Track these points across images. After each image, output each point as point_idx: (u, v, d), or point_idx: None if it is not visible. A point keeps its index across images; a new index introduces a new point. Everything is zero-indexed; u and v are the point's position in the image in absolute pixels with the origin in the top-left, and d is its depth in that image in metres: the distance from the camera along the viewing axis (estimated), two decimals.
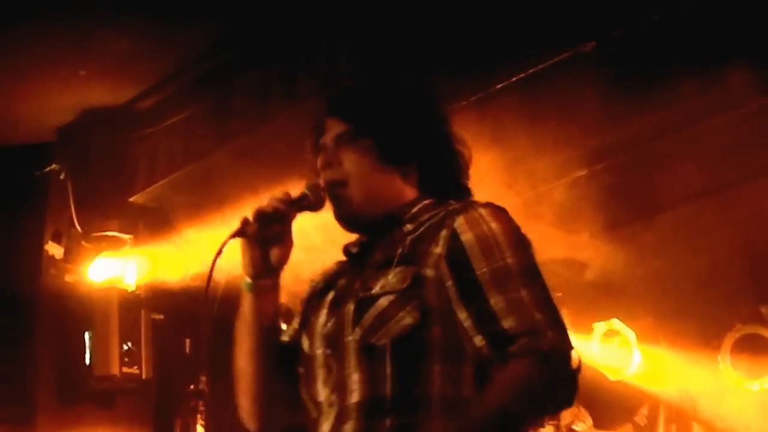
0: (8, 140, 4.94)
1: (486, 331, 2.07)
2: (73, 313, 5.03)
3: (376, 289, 2.16)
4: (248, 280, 2.32)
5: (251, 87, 4.63)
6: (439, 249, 2.15)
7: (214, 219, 4.51)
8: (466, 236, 2.14)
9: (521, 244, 2.17)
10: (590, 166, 4.67)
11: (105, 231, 4.98)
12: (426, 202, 2.30)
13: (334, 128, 2.34)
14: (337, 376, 2.19)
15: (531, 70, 4.25)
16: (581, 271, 5.83)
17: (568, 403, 2.10)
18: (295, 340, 2.35)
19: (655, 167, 4.74)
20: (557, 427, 6.30)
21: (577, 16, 4.14)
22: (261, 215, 2.29)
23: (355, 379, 2.14)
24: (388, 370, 2.11)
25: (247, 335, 2.33)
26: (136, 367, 5.03)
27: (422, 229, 2.24)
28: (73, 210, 5.00)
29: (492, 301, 2.07)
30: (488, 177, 4.43)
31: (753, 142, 4.57)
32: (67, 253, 5.02)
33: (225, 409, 5.22)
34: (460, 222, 2.17)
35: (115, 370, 4.99)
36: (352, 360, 2.16)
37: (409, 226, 2.26)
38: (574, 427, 6.27)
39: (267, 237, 2.30)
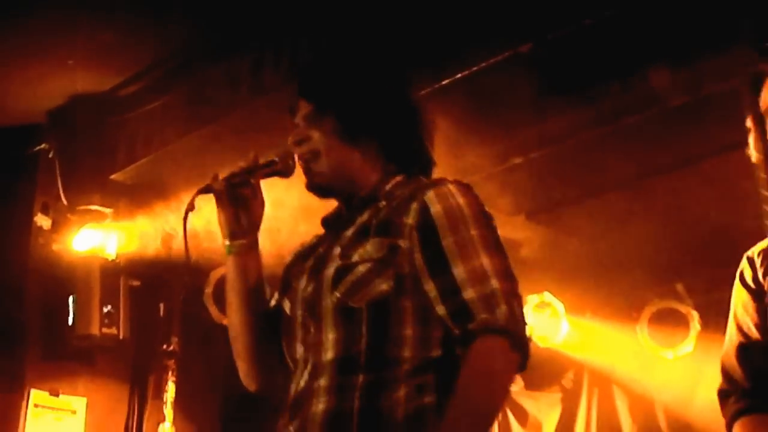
0: (2, 122, 4.88)
1: (448, 301, 2.03)
2: (58, 279, 5.00)
3: (355, 258, 2.12)
4: (226, 242, 2.30)
5: (221, 78, 4.58)
6: (410, 220, 2.12)
7: (185, 196, 4.48)
8: (435, 208, 2.11)
9: (485, 218, 2.14)
10: (526, 154, 4.64)
11: (88, 205, 4.95)
12: (398, 179, 2.27)
13: (303, 108, 2.31)
14: (314, 335, 2.15)
15: (474, 68, 4.17)
16: (517, 248, 5.72)
17: (523, 368, 2.04)
18: (279, 304, 2.32)
19: (584, 157, 4.71)
20: None
21: (515, 20, 4.07)
22: (228, 175, 2.26)
23: (330, 338, 2.11)
24: (363, 330, 2.08)
25: (234, 297, 2.31)
26: (114, 328, 5.00)
27: (397, 201, 2.19)
28: (60, 186, 4.97)
29: (455, 272, 2.04)
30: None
31: (674, 136, 4.56)
32: (54, 224, 5.00)
33: (194, 366, 5.26)
34: (430, 195, 2.12)
35: (95, 330, 4.96)
36: (328, 321, 2.12)
37: (384, 203, 2.22)
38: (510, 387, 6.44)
39: (236, 197, 2.27)
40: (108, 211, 4.97)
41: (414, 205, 2.13)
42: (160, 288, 5.29)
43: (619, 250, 5.58)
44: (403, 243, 2.10)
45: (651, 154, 4.74)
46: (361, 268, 2.11)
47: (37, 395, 5.13)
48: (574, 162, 4.77)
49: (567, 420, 6.41)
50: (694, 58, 4.04)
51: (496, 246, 2.10)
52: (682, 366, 5.84)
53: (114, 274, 5.05)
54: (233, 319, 2.33)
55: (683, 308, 5.82)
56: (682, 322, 5.83)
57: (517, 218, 5.43)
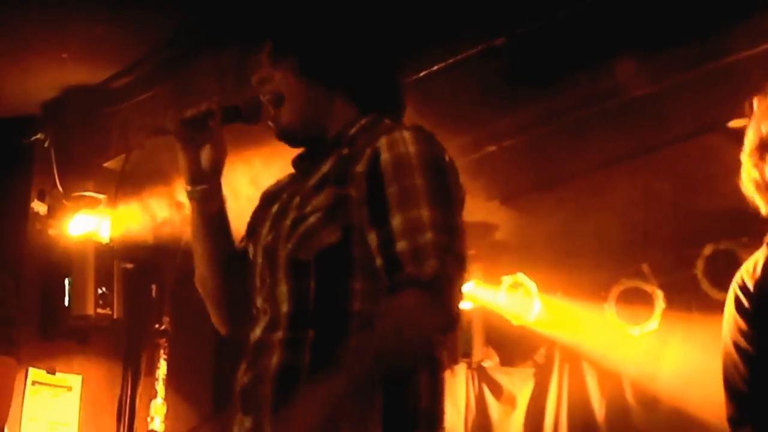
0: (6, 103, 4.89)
1: (384, 252, 1.92)
2: (54, 262, 5.00)
3: (308, 208, 2.02)
4: (187, 187, 2.20)
5: (208, 69, 4.54)
6: (361, 168, 2.00)
7: (174, 182, 4.54)
8: (384, 156, 1.98)
9: (436, 168, 1.99)
10: (499, 143, 4.64)
11: (83, 191, 4.95)
12: (363, 122, 2.15)
13: (267, 47, 2.20)
14: (270, 286, 2.07)
15: (450, 61, 4.14)
16: (492, 232, 5.81)
17: (448, 329, 1.92)
18: (245, 247, 2.23)
19: (556, 144, 4.71)
20: (469, 364, 6.50)
21: (488, 15, 4.04)
22: (185, 116, 2.16)
23: (283, 290, 2.02)
24: (312, 285, 1.98)
25: (198, 244, 2.22)
26: (108, 309, 5.01)
27: (356, 149, 2.08)
28: (55, 173, 4.97)
29: (393, 222, 1.92)
30: None
31: (640, 125, 4.57)
32: (50, 210, 5.01)
33: (185, 345, 5.29)
34: (382, 142, 2.01)
35: (90, 311, 4.95)
36: (282, 273, 2.03)
37: (346, 150, 2.10)
38: (483, 363, 6.57)
39: (193, 139, 2.17)
40: (102, 197, 4.96)
41: (368, 152, 2.02)
42: (152, 270, 5.32)
43: (588, 233, 5.56)
44: (353, 192, 1.99)
45: (617, 141, 4.73)
46: (312, 219, 2.01)
47: (34, 373, 5.10)
48: (546, 150, 4.77)
49: (539, 394, 6.43)
50: (657, 51, 4.01)
51: (441, 198, 1.96)
52: (647, 342, 5.88)
53: (108, 257, 5.05)
54: (198, 264, 2.24)
55: (648, 287, 5.84)
56: (647, 300, 5.85)
57: (492, 203, 5.42)
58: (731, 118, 4.38)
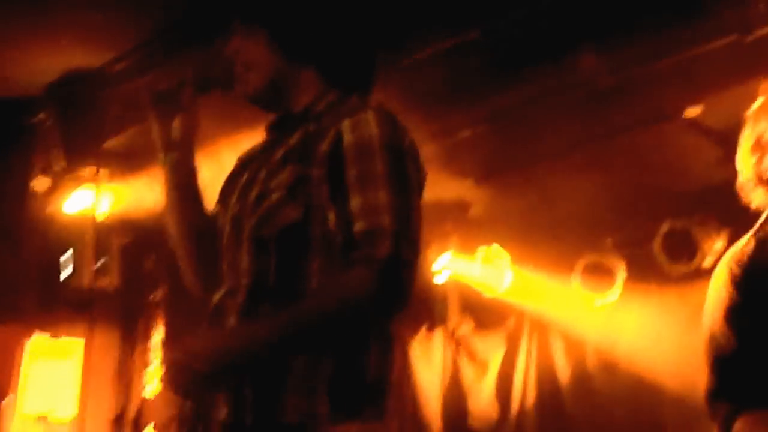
0: (4, 93, 4.90)
1: (342, 232, 1.89)
2: (55, 237, 5.08)
3: (273, 184, 1.98)
4: (161, 154, 2.16)
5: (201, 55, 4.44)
6: (325, 147, 1.96)
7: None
8: (347, 138, 1.94)
9: (396, 152, 1.95)
10: (474, 128, 4.72)
11: (83, 169, 5.01)
12: (330, 98, 2.11)
13: (239, 20, 2.17)
14: (233, 256, 2.03)
15: (429, 52, 4.23)
16: (467, 208, 5.87)
17: (399, 307, 1.88)
18: (216, 213, 2.17)
19: (525, 129, 4.77)
20: (445, 330, 6.52)
21: (464, 11, 4.13)
22: (159, 89, 2.13)
23: (244, 263, 1.98)
24: (273, 261, 1.95)
25: (171, 210, 2.16)
26: (107, 280, 5.12)
27: (321, 126, 2.02)
28: (56, 152, 5.00)
29: (352, 203, 1.88)
30: None
31: (603, 113, 4.61)
32: (51, 187, 5.06)
33: (179, 313, 5.39)
34: (346, 124, 1.96)
35: (89, 281, 5.06)
36: (245, 245, 1.99)
37: (312, 126, 2.05)
38: (459, 330, 6.55)
39: (168, 112, 2.13)
40: (101, 174, 5.01)
41: (332, 132, 1.97)
42: (148, 243, 5.35)
43: (557, 210, 5.63)
44: (315, 171, 1.95)
45: (582, 127, 4.77)
46: (274, 196, 1.98)
47: (38, 338, 5.26)
48: (516, 135, 4.83)
49: (509, 358, 6.49)
50: (618, 46, 4.06)
51: (399, 182, 1.92)
52: (609, 312, 5.94)
53: (106, 231, 5.15)
54: (171, 230, 2.18)
55: (611, 261, 5.90)
56: (609, 273, 5.90)
57: (466, 181, 5.47)
58: (687, 107, 4.50)
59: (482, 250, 6.17)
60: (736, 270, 2.26)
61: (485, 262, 6.19)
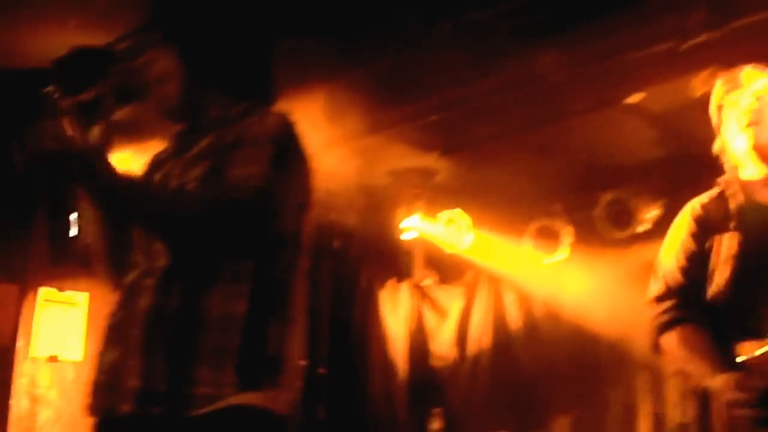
0: (19, 65, 4.77)
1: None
2: (63, 199, 5.09)
3: (187, 178, 2.04)
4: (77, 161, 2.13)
5: None
6: (227, 141, 2.05)
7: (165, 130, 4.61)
8: (247, 131, 2.05)
9: (283, 144, 2.05)
10: (439, 113, 4.79)
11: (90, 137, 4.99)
12: (238, 108, 2.14)
13: (157, 34, 2.19)
14: (148, 242, 2.07)
15: (402, 47, 4.36)
16: (433, 176, 5.91)
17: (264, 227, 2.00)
18: None
19: (488, 112, 4.84)
20: (411, 283, 6.64)
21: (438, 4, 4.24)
22: (79, 100, 2.14)
23: (160, 247, 2.03)
24: (188, 243, 2.02)
25: (88, 209, 2.24)
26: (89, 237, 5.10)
27: (230, 131, 2.08)
28: (66, 120, 4.99)
29: (230, 171, 2.00)
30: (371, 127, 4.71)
31: (555, 99, 4.69)
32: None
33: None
34: (248, 120, 2.07)
35: (93, 241, 5.05)
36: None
37: (222, 132, 2.10)
38: (422, 282, 6.73)
39: (87, 121, 2.14)
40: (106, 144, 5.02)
41: (236, 128, 2.06)
42: None
43: (512, 180, 5.70)
44: (218, 161, 2.02)
45: (539, 110, 4.84)
46: (189, 187, 2.03)
47: (46, 291, 5.27)
48: (481, 116, 4.87)
49: (467, 307, 6.61)
50: (573, 43, 4.16)
51: (277, 164, 2.01)
52: (555, 270, 6.03)
53: None
54: (84, 227, 2.28)
55: (559, 225, 5.96)
56: (557, 235, 5.96)
57: (433, 154, 5.53)
58: (626, 96, 4.59)
59: (446, 213, 6.22)
60: (694, 225, 2.54)
61: (448, 224, 6.23)
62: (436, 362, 6.63)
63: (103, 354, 2.07)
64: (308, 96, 4.51)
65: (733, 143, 2.54)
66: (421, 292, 6.79)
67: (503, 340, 6.40)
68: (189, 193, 2.00)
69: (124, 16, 4.58)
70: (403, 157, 5.68)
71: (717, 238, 2.51)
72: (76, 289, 5.41)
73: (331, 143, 4.85)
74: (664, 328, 2.48)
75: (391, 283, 6.76)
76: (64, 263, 5.22)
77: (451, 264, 6.59)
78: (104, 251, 2.21)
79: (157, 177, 2.16)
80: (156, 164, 2.23)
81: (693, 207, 2.58)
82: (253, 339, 1.97)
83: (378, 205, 6.24)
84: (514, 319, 6.41)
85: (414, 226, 6.22)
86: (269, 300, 2.03)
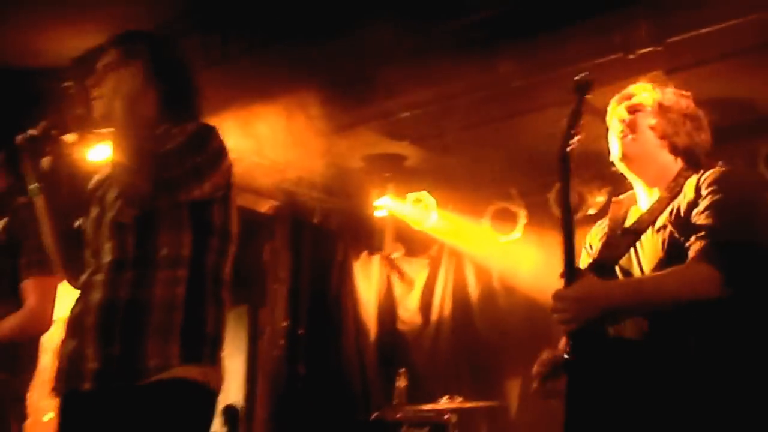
0: (38, 65, 4.93)
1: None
2: (79, 178, 5.14)
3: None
4: (34, 185, 2.27)
5: (198, 46, 4.59)
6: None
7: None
8: (173, 137, 2.13)
9: (196, 141, 2.12)
10: (411, 111, 4.90)
11: (102, 128, 5.04)
12: (163, 128, 2.20)
13: (107, 57, 2.25)
14: (97, 243, 2.15)
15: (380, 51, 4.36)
16: (403, 161, 6.00)
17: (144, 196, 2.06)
18: (81, 225, 2.29)
19: (453, 110, 4.94)
20: (382, 255, 6.74)
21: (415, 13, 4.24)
22: (29, 135, 2.20)
23: (108, 246, 2.11)
24: (131, 239, 2.09)
25: (45, 225, 2.27)
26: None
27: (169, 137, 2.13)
28: (82, 113, 5.04)
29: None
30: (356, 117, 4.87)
31: (513, 100, 4.82)
32: (78, 140, 5.11)
33: None
34: (174, 131, 2.15)
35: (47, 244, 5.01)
36: (106, 232, 2.13)
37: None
38: (392, 255, 6.84)
39: (37, 151, 2.23)
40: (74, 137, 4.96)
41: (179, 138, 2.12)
42: None
43: (475, 165, 5.79)
44: None
45: (498, 108, 4.96)
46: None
47: None
48: (446, 112, 4.99)
49: (431, 278, 6.72)
50: (530, 53, 4.29)
51: (187, 153, 2.09)
52: (511, 247, 6.11)
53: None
54: (46, 239, 2.28)
55: (515, 206, 6.07)
56: (513, 217, 6.07)
57: (404, 142, 5.63)
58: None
59: (413, 194, 6.27)
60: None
61: (415, 204, 6.27)
62: (402, 327, 6.69)
63: (65, 344, 2.13)
64: (294, 94, 4.65)
65: (612, 153, 2.37)
66: (391, 264, 6.85)
67: (463, 309, 6.47)
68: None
69: (129, 26, 4.64)
70: (376, 145, 5.77)
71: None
72: None
73: (315, 133, 4.97)
74: None
75: (364, 255, 6.81)
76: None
77: (418, 239, 6.65)
78: (59, 253, 2.26)
79: (97, 195, 2.26)
80: (98, 185, 2.33)
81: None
82: (193, 319, 2.07)
83: (354, 187, 6.32)
84: (473, 289, 6.48)
85: (385, 206, 6.26)
86: (204, 284, 2.12)
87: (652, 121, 2.26)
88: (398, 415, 5.20)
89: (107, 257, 2.08)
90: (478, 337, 6.33)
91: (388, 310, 6.74)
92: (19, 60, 4.79)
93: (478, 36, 4.27)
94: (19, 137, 2.19)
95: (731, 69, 4.56)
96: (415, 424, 5.11)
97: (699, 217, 2.06)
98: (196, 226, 2.12)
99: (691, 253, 2.02)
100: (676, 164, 2.25)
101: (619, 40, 4.05)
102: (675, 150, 2.25)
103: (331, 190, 6.41)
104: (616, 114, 2.35)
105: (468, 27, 4.24)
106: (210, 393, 2.10)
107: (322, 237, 6.53)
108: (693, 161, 2.25)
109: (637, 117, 2.28)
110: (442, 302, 6.60)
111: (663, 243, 2.11)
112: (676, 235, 2.09)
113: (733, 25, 3.88)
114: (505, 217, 6.10)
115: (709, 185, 2.10)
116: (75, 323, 2.10)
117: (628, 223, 2.29)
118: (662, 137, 2.24)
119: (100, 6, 4.55)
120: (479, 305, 6.41)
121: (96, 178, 2.38)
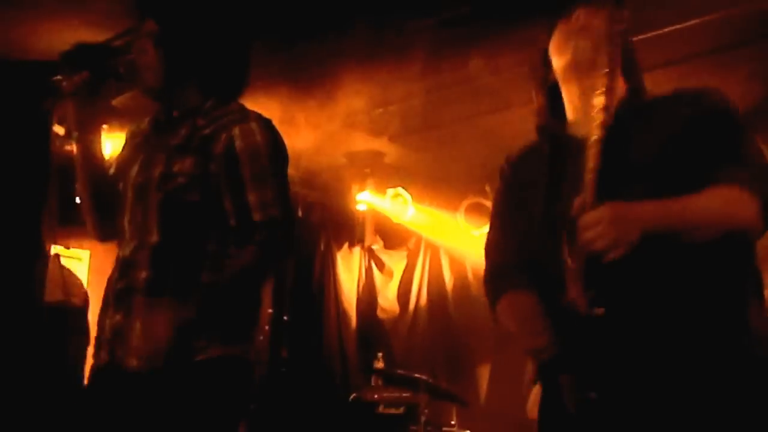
0: (29, 58, 4.69)
1: (240, 218, 1.96)
2: (70, 171, 5.05)
3: (176, 168, 1.98)
4: (75, 133, 2.17)
5: None
6: (219, 149, 1.98)
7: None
8: (239, 144, 1.97)
9: (277, 155, 2.01)
10: (387, 106, 4.83)
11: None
12: (210, 104, 2.06)
13: (148, 26, 2.09)
14: (140, 218, 2.02)
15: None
16: (382, 157, 5.88)
17: (284, 258, 2.01)
18: (114, 177, 2.15)
19: (427, 107, 4.84)
20: (362, 247, 6.58)
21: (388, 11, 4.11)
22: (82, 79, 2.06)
23: (153, 226, 2.00)
24: (177, 230, 2.00)
25: (81, 174, 2.17)
26: None
27: (211, 128, 2.01)
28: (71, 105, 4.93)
29: (249, 197, 1.95)
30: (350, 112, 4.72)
31: (483, 100, 4.71)
32: (67, 132, 5.00)
33: None
34: (236, 131, 1.98)
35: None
36: (153, 213, 2.00)
37: (201, 121, 2.03)
38: (373, 246, 6.71)
39: (86, 99, 2.09)
40: (106, 126, 4.90)
41: (224, 136, 1.98)
42: None
43: (449, 162, 5.68)
44: (213, 167, 1.97)
45: (470, 106, 4.87)
46: (179, 180, 1.97)
47: (55, 249, 4.92)
48: (421, 109, 4.87)
49: (409, 269, 6.65)
50: (500, 52, 4.11)
51: (281, 179, 1.98)
52: (484, 240, 5.96)
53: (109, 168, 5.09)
54: (80, 189, 2.17)
55: (488, 202, 5.81)
56: (486, 210, 5.76)
57: (382, 139, 5.49)
58: None
59: (392, 190, 6.21)
60: None
61: (394, 198, 6.21)
62: (382, 314, 6.62)
63: (109, 317, 2.03)
64: (272, 92, 4.48)
65: None
66: (371, 255, 6.77)
67: (438, 298, 6.41)
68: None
69: (115, 20, 4.49)
70: (356, 142, 5.68)
71: None
72: (80, 247, 5.42)
73: (298, 130, 4.85)
74: (499, 297, 1.95)
75: (345, 247, 6.75)
76: (69, 225, 5.23)
77: (396, 232, 6.61)
78: (89, 210, 2.15)
79: (142, 155, 2.08)
80: (136, 143, 2.15)
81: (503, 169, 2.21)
82: (236, 301, 2.01)
83: (336, 182, 6.23)
84: (448, 280, 6.42)
85: (365, 200, 6.19)
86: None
87: None
88: (375, 396, 5.10)
89: (153, 237, 1.98)
90: (452, 323, 6.25)
91: (367, 299, 6.63)
92: (7, 54, 4.66)
93: (448, 34, 4.14)
94: (72, 83, 2.06)
95: (699, 69, 4.38)
96: (391, 404, 5.05)
97: None
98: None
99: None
100: None
101: None
102: None
103: (314, 185, 6.30)
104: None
105: (438, 25, 4.11)
106: (250, 367, 2.05)
107: (305, 229, 6.39)
108: None
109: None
110: (419, 292, 6.53)
111: None
112: None
113: (697, 23, 3.74)
114: (478, 212, 6.01)
115: None
116: (120, 298, 2.00)
117: None
118: None
119: (86, 2, 4.40)
120: (454, 294, 6.33)
121: (134, 129, 2.19)
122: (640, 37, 3.77)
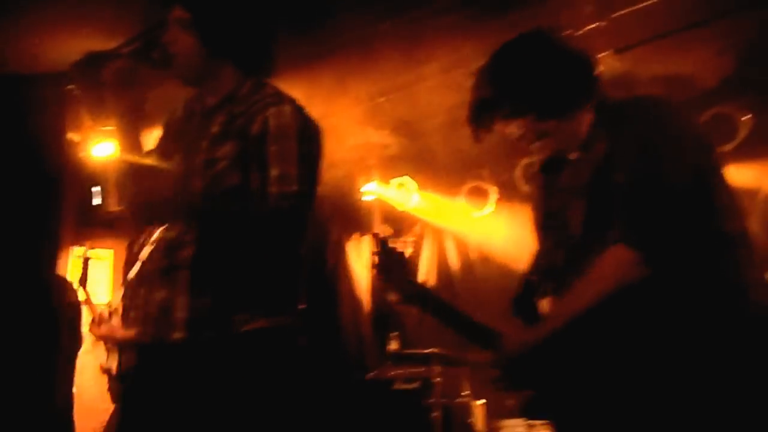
0: (40, 69, 4.62)
1: (262, 191, 1.86)
2: (88, 175, 4.88)
3: (218, 154, 1.90)
4: (116, 120, 2.06)
5: None
6: (255, 130, 1.89)
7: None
8: (272, 122, 1.88)
9: (306, 137, 1.91)
10: (387, 95, 4.65)
11: (104, 126, 4.75)
12: (248, 85, 1.98)
13: (177, 13, 1.97)
14: (183, 202, 1.93)
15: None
16: (386, 149, 5.76)
17: (299, 230, 1.92)
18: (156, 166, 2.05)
19: (425, 97, 4.69)
20: (372, 234, 6.18)
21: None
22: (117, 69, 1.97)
23: (196, 209, 1.92)
24: (218, 208, 1.91)
25: (122, 162, 2.09)
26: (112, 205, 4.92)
27: (249, 112, 1.92)
28: (84, 113, 4.77)
29: (272, 172, 1.86)
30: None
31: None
32: (82, 138, 4.87)
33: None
34: (271, 111, 1.89)
35: (114, 207, 4.85)
36: (196, 198, 1.91)
37: (239, 107, 1.94)
38: (380, 234, 6.49)
39: (122, 86, 1.98)
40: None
41: (259, 118, 1.89)
42: None
43: (450, 150, 5.42)
44: (251, 148, 1.89)
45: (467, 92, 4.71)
46: (221, 165, 1.90)
47: (78, 250, 5.11)
48: (420, 101, 4.74)
49: (416, 253, 6.43)
50: (486, 34, 3.72)
51: (304, 158, 1.89)
52: (485, 221, 5.91)
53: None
54: (122, 180, 2.12)
55: (487, 185, 5.89)
56: (486, 194, 5.90)
57: (385, 131, 5.40)
58: None
59: (396, 179, 6.13)
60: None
61: (399, 187, 6.13)
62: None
63: (151, 293, 1.92)
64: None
65: None
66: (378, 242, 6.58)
67: (445, 279, 6.30)
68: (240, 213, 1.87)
69: (122, 28, 4.34)
70: (361, 135, 5.54)
71: None
72: (102, 247, 5.32)
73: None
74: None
75: (355, 236, 6.64)
76: (91, 227, 5.15)
77: (403, 219, 6.51)
78: (133, 211, 2.08)
79: (184, 143, 1.98)
80: (176, 131, 2.05)
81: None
82: (278, 275, 1.93)
83: (344, 174, 6.10)
84: (454, 261, 6.32)
85: (372, 190, 6.14)
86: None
87: None
88: (391, 374, 5.00)
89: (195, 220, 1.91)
90: (459, 302, 5.87)
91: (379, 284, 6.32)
92: (18, 65, 4.55)
93: (440, 22, 3.99)
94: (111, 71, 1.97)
95: (673, 45, 4.23)
96: (406, 380, 4.93)
97: None
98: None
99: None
100: None
101: (566, 18, 3.79)
102: None
103: (324, 178, 5.97)
104: None
105: (430, 14, 3.96)
106: (295, 337, 1.98)
107: (317, 221, 6.11)
108: None
109: None
110: (426, 274, 6.37)
111: None
112: None
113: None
114: (479, 195, 5.94)
115: None
116: (163, 275, 1.90)
117: None
118: None
119: (95, 9, 4.28)
120: (459, 275, 6.22)
121: (172, 118, 2.09)
122: (620, 12, 3.75)
